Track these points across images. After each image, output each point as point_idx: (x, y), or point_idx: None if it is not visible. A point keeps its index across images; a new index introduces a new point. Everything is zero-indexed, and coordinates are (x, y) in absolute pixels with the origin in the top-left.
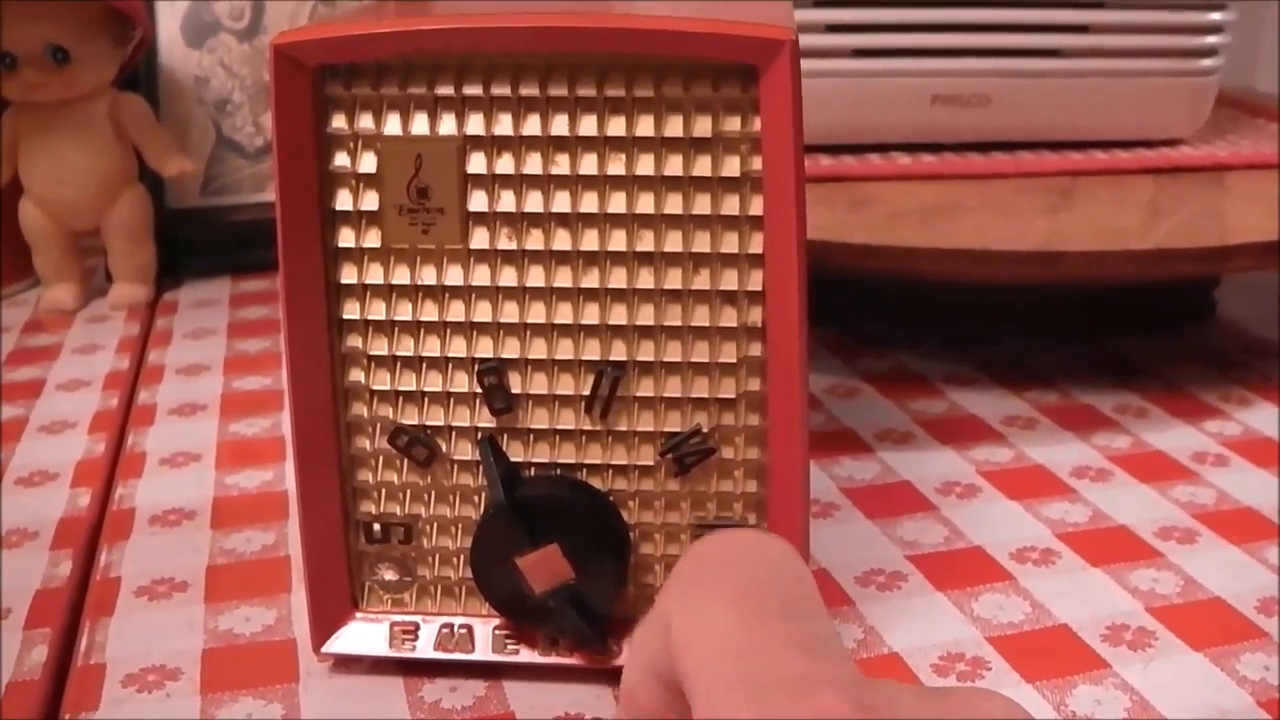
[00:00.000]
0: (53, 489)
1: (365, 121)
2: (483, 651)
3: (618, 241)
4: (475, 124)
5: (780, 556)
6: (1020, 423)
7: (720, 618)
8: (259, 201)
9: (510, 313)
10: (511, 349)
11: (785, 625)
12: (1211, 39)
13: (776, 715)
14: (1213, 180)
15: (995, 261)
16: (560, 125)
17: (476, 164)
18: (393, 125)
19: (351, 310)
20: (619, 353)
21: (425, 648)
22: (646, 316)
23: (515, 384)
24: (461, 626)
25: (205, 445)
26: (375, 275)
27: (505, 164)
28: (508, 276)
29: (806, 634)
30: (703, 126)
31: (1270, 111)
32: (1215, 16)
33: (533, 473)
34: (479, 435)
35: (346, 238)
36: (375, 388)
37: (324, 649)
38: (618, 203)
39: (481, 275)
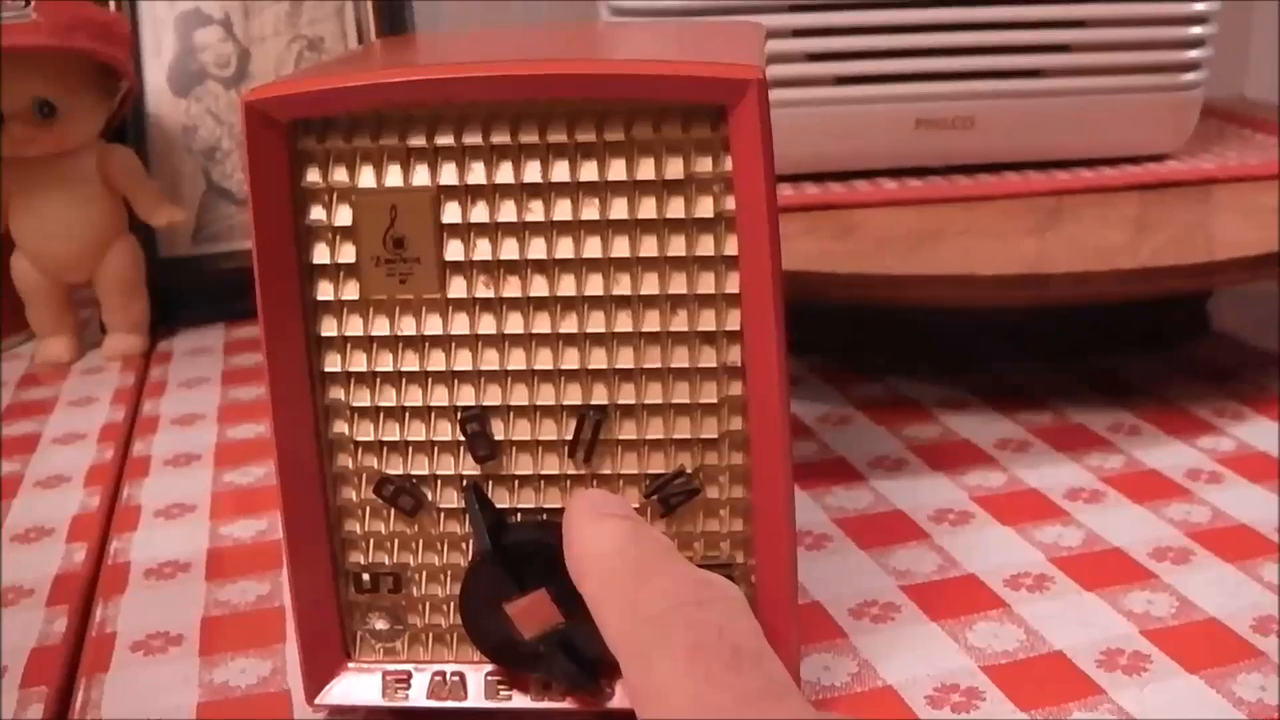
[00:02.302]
0: (49, 545)
1: (339, 174)
2: (476, 698)
3: (594, 286)
4: (448, 173)
5: (718, 595)
6: (1013, 445)
7: (675, 687)
8: (251, 248)
9: (490, 360)
10: (493, 396)
11: (738, 679)
12: (1193, 53)
13: None
14: (1200, 194)
15: (982, 286)
16: (533, 172)
17: (451, 213)
18: (367, 177)
19: (333, 363)
20: (600, 396)
21: (418, 696)
22: (626, 359)
23: (498, 430)
24: (454, 674)
25: (200, 496)
26: (355, 327)
27: (480, 212)
28: (486, 324)
29: (758, 684)
30: (674, 168)
31: (1257, 122)
32: (1196, 31)
33: (519, 519)
34: (464, 483)
35: (325, 291)
36: (359, 439)
37: (318, 700)
38: (593, 247)
39: (460, 324)
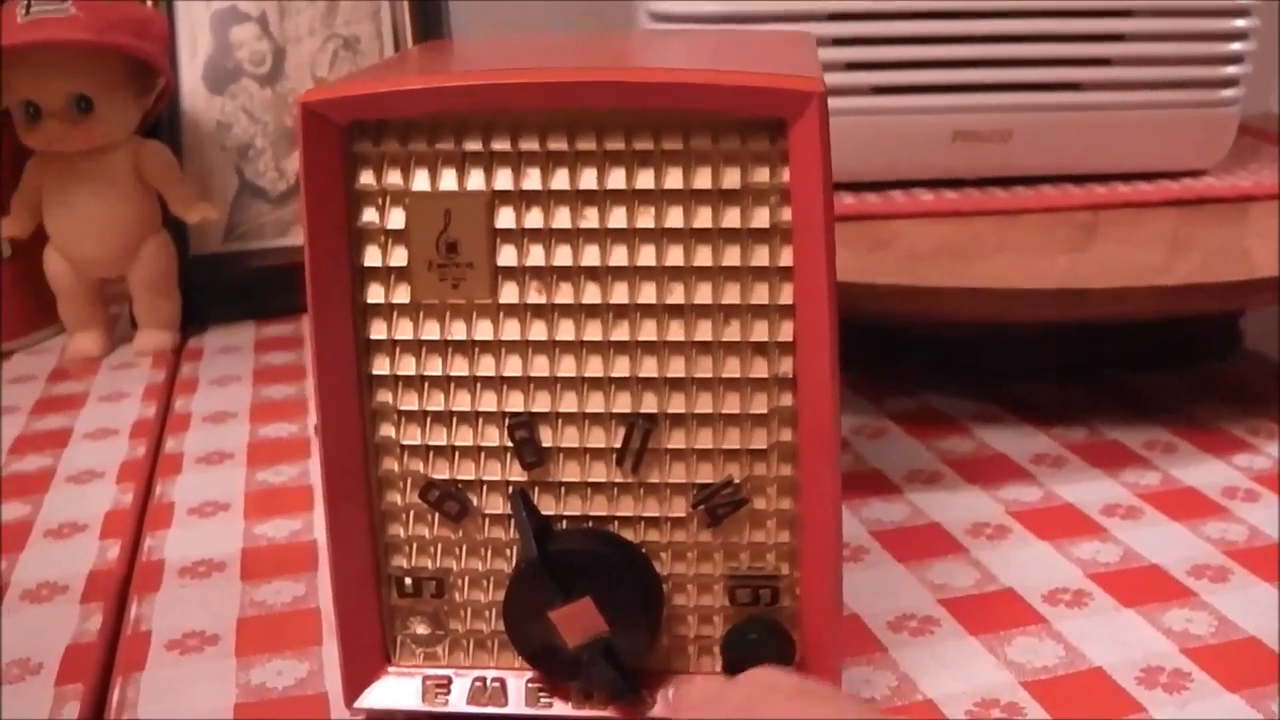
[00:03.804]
0: (82, 541)
1: (393, 177)
2: (516, 705)
3: (647, 294)
4: (503, 179)
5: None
6: (1049, 461)
7: None
8: (282, 246)
9: (540, 366)
10: (542, 403)
11: None
12: (1232, 69)
13: None
14: (1236, 212)
15: (1017, 301)
16: (589, 179)
17: (505, 219)
18: (421, 181)
19: (381, 366)
20: (650, 405)
21: (458, 701)
22: (677, 369)
23: (546, 437)
24: (494, 680)
25: (233, 494)
26: (405, 331)
27: (534, 218)
28: (538, 330)
29: None
30: (731, 178)
31: None
32: (1235, 47)
33: (565, 526)
34: (510, 489)
35: (376, 293)
36: (406, 443)
37: (357, 704)
38: (647, 255)
39: (511, 330)
